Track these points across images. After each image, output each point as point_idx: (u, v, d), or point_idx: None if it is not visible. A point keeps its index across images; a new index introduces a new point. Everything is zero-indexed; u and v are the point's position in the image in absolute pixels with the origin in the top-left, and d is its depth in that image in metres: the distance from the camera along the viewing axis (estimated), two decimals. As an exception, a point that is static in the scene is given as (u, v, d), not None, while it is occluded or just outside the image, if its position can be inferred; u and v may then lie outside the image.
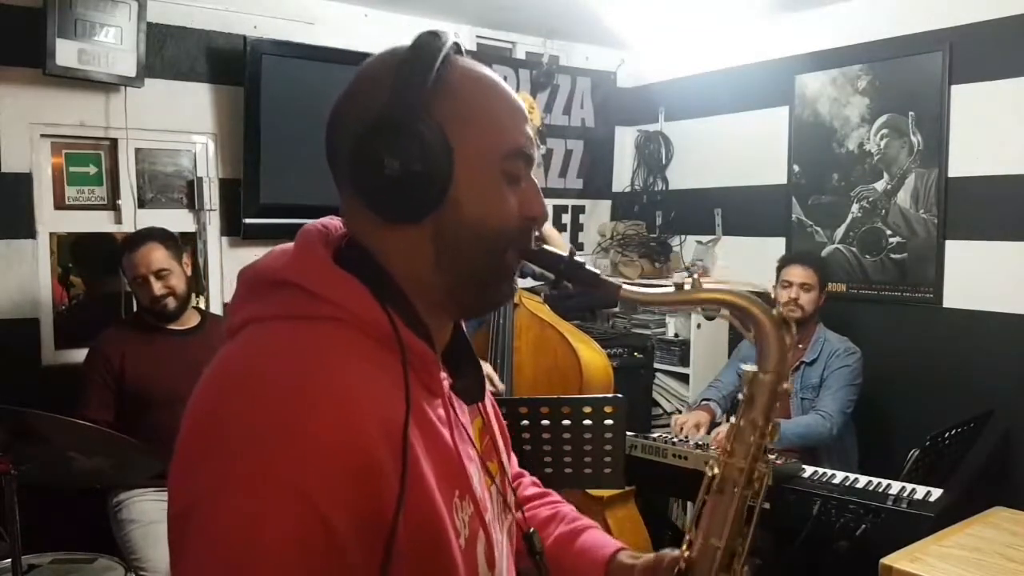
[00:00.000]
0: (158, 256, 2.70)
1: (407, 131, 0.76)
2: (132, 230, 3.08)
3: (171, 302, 2.71)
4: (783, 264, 3.18)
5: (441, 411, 0.81)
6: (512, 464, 1.16)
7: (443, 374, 0.85)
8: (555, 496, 1.15)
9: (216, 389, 0.72)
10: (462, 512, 0.79)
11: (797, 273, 3.08)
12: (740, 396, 0.92)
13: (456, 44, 0.83)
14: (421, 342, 0.79)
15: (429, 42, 0.80)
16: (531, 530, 0.96)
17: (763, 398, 0.90)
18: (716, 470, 0.92)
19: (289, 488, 0.65)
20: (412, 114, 0.76)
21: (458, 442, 0.82)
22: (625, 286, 0.88)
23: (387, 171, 0.76)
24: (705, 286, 0.87)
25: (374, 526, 0.68)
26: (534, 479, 1.18)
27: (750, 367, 0.91)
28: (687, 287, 0.87)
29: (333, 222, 0.85)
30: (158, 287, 2.68)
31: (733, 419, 0.92)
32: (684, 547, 0.93)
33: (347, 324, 0.75)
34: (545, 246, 0.88)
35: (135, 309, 3.06)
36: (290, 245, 0.82)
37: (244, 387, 0.70)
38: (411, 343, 0.77)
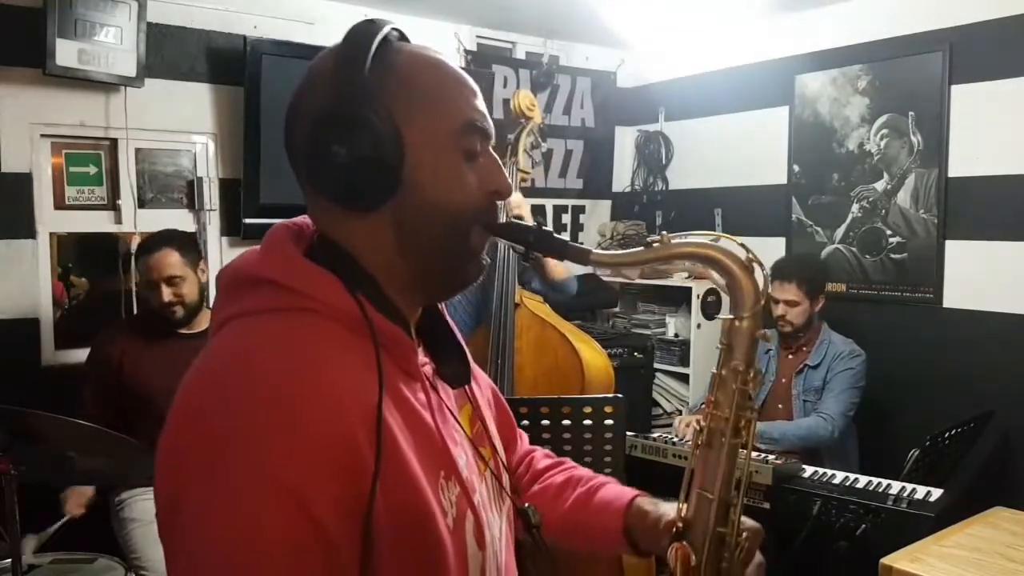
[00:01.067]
0: (172, 262, 2.63)
1: (353, 119, 0.76)
2: (132, 230, 3.09)
3: (179, 310, 2.65)
4: (770, 276, 3.11)
5: (421, 395, 0.82)
6: (523, 442, 1.17)
7: (424, 359, 0.85)
8: (568, 462, 1.15)
9: (201, 384, 0.73)
10: (448, 492, 0.79)
11: (779, 290, 3.04)
12: (719, 345, 0.92)
13: (397, 30, 0.84)
14: (394, 326, 0.79)
15: (363, 29, 0.80)
16: (527, 505, 0.96)
17: (742, 345, 0.90)
18: (703, 423, 0.92)
19: (279, 486, 0.65)
20: (356, 102, 0.77)
21: (440, 425, 0.82)
22: (595, 251, 0.88)
23: (338, 160, 0.77)
24: (672, 241, 0.88)
25: (357, 511, 0.69)
26: (546, 451, 1.18)
27: (727, 316, 0.91)
28: (656, 245, 0.88)
29: (304, 220, 0.86)
30: (167, 294, 2.62)
31: (714, 369, 0.92)
32: (681, 505, 0.93)
33: (320, 314, 0.76)
34: (512, 219, 0.88)
35: (136, 310, 3.07)
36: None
37: (228, 382, 0.71)
38: (383, 327, 0.78)
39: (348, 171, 0.77)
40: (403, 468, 0.74)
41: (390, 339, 0.78)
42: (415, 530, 0.74)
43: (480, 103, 0.84)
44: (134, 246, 3.07)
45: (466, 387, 0.94)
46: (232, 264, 0.83)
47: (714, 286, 0.94)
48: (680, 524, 0.91)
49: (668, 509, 0.98)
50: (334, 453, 0.68)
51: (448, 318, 0.96)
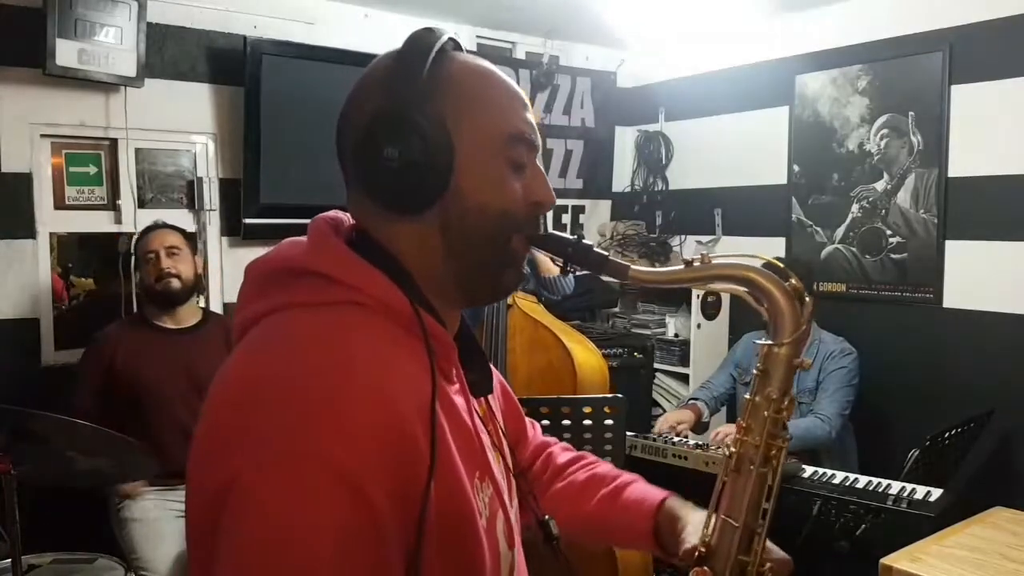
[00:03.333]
0: (171, 238, 2.80)
1: (405, 123, 0.77)
2: (132, 230, 3.09)
3: (175, 283, 2.74)
4: None
5: (459, 397, 0.83)
6: (536, 433, 1.17)
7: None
8: (589, 457, 1.15)
9: (249, 373, 0.72)
10: (482, 493, 0.80)
11: None
12: (755, 370, 0.91)
13: (453, 40, 0.85)
14: (440, 326, 0.80)
15: (423, 36, 0.81)
16: (546, 517, 0.96)
17: (778, 372, 0.88)
18: (733, 449, 0.91)
19: (333, 469, 0.65)
20: (409, 106, 0.78)
21: (476, 426, 0.83)
22: (634, 267, 0.88)
23: (388, 163, 0.77)
24: (714, 261, 0.87)
25: (408, 503, 0.69)
26: (563, 444, 1.18)
27: (764, 341, 0.90)
28: (696, 264, 0.87)
29: (340, 215, 0.87)
30: (167, 263, 2.73)
31: (747, 395, 0.91)
32: (704, 530, 0.93)
33: (369, 309, 0.77)
34: (552, 231, 0.88)
35: (136, 307, 3.07)
36: (302, 237, 0.82)
37: (280, 370, 0.70)
38: (431, 326, 0.79)
39: (398, 174, 0.78)
40: (451, 467, 0.75)
41: (436, 338, 0.79)
42: (458, 530, 0.75)
43: (530, 115, 0.85)
44: (134, 246, 3.07)
45: None
46: (268, 256, 0.82)
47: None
48: (703, 549, 0.91)
49: (698, 517, 0.97)
50: (390, 442, 0.68)
51: (470, 326, 0.95)
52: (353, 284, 0.77)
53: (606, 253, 0.88)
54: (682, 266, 0.88)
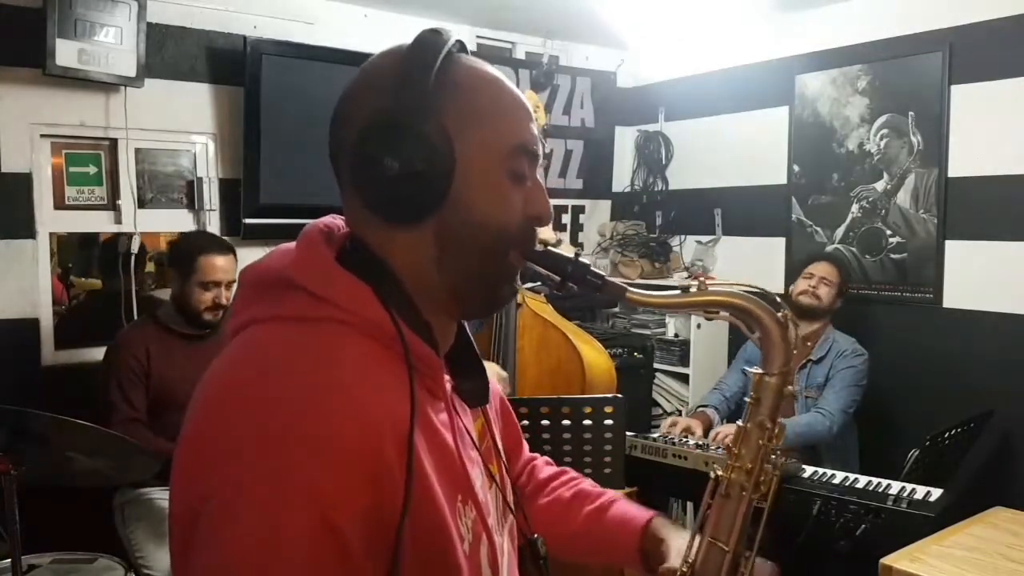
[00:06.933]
0: (232, 268, 2.72)
1: (409, 131, 0.75)
2: (132, 230, 3.09)
3: (221, 313, 2.70)
4: (809, 260, 3.28)
5: (444, 415, 0.80)
6: (524, 450, 1.16)
7: (446, 376, 0.84)
8: (571, 472, 1.15)
9: (227, 389, 0.71)
10: (465, 517, 0.79)
11: (821, 268, 3.18)
12: (747, 399, 0.92)
13: (459, 42, 0.83)
14: (425, 345, 0.78)
15: (430, 40, 0.79)
16: (535, 536, 0.95)
17: (769, 400, 0.90)
18: (721, 473, 0.92)
19: (305, 495, 0.64)
20: (414, 114, 0.76)
21: (460, 446, 0.81)
22: (631, 289, 0.87)
23: (389, 172, 0.75)
24: (710, 287, 0.87)
25: (381, 532, 0.68)
26: (546, 459, 1.18)
27: (756, 370, 0.91)
28: (692, 289, 0.87)
29: (335, 221, 0.85)
30: (227, 296, 2.68)
31: (740, 422, 0.92)
32: (688, 551, 0.93)
33: (351, 327, 0.75)
34: (551, 248, 0.86)
35: (138, 311, 3.06)
36: (292, 245, 0.81)
37: (257, 389, 0.69)
38: (415, 346, 0.77)
39: (397, 183, 0.76)
40: (428, 492, 0.73)
41: (419, 358, 0.77)
42: (433, 555, 0.73)
43: (534, 126, 0.83)
44: (135, 246, 3.07)
45: None
46: (262, 263, 0.81)
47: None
48: (686, 571, 0.91)
49: (682, 540, 0.97)
50: (363, 468, 0.67)
51: (470, 334, 0.94)
52: (336, 301, 0.75)
53: (603, 273, 0.87)
54: (678, 291, 0.88)
